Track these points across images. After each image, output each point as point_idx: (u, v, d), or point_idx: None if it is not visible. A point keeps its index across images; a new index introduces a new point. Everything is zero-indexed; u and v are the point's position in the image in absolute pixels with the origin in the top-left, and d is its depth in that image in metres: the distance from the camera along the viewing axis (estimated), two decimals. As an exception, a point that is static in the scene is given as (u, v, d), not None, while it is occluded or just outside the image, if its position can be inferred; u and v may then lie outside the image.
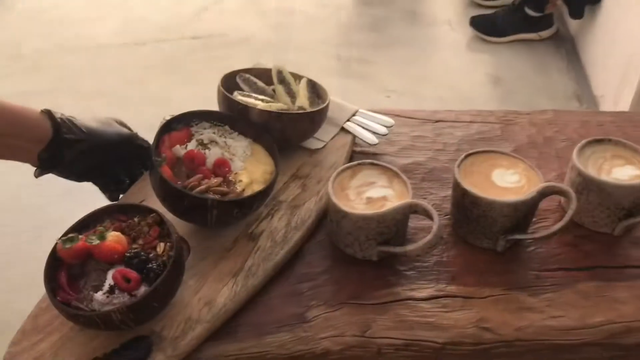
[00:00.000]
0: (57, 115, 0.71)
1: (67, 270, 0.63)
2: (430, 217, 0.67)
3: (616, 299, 0.67)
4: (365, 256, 0.71)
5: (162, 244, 0.64)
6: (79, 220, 0.66)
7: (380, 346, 0.64)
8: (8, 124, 0.68)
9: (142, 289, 0.60)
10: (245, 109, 0.78)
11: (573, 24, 2.29)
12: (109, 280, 0.61)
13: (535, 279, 0.70)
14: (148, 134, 0.82)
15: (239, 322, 0.66)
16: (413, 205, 0.68)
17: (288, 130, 0.80)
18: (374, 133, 0.90)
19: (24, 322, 0.66)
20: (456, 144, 0.91)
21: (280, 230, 0.75)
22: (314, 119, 0.82)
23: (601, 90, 1.97)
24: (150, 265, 0.61)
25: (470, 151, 0.76)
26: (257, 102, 0.81)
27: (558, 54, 2.30)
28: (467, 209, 0.71)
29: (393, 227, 0.69)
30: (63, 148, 0.71)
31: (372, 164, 0.75)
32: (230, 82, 0.85)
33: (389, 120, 0.92)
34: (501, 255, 0.72)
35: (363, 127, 0.90)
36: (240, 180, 0.72)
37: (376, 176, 0.74)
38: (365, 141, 0.89)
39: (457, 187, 0.72)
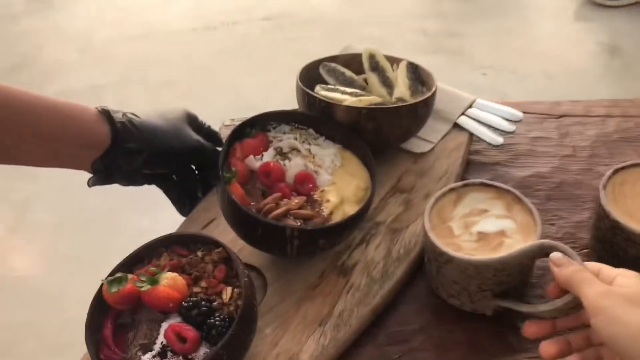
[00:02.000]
0: (117, 118, 0.59)
1: (114, 318, 0.50)
2: None
3: None
4: (475, 309, 0.53)
5: (229, 289, 0.50)
6: (130, 253, 0.54)
7: None
8: (57, 126, 0.56)
9: (202, 351, 0.47)
10: (328, 106, 0.62)
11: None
12: (161, 338, 0.48)
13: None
14: (217, 127, 0.69)
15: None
16: (546, 246, 0.49)
17: (384, 129, 0.63)
18: (497, 130, 0.71)
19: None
20: (590, 148, 0.71)
21: (378, 262, 0.59)
22: (417, 113, 0.65)
23: None
24: (211, 320, 0.47)
25: (621, 165, 0.56)
26: (344, 96, 0.65)
27: (688, 11, 1.98)
28: (617, 246, 0.53)
29: (517, 275, 0.51)
30: (121, 158, 0.59)
31: (484, 184, 0.56)
32: (312, 73, 0.70)
33: (517, 114, 0.73)
34: None
35: (481, 123, 0.72)
36: (328, 200, 0.57)
37: (489, 202, 0.55)
38: (487, 141, 0.70)
39: (605, 217, 0.53)
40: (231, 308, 0.49)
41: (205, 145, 0.66)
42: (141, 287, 0.49)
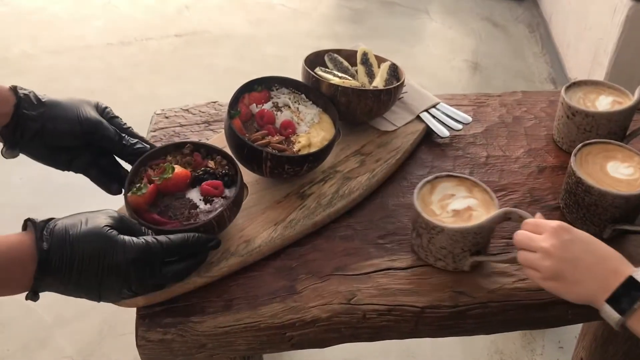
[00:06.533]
0: (23, 92, 0.70)
1: (149, 214, 0.70)
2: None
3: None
4: (457, 268, 0.73)
5: (212, 161, 0.76)
6: (142, 158, 0.74)
7: (365, 312, 0.70)
8: None
9: (226, 191, 0.73)
10: (317, 81, 0.85)
11: (547, 8, 2.37)
12: (198, 196, 0.72)
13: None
14: (138, 130, 0.80)
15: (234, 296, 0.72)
16: (508, 212, 0.69)
17: (352, 105, 0.85)
18: (448, 127, 0.93)
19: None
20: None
21: (328, 195, 0.81)
22: (379, 98, 0.85)
23: (574, 73, 2.01)
24: (223, 172, 0.74)
25: (588, 141, 0.79)
26: (334, 78, 0.88)
27: (533, 38, 2.42)
28: (578, 195, 0.75)
29: (487, 236, 0.72)
30: (22, 124, 0.69)
31: (449, 176, 0.77)
32: (319, 58, 0.93)
33: (467, 117, 0.94)
34: None
35: (438, 120, 0.94)
36: (299, 142, 0.80)
37: (455, 188, 0.76)
38: (436, 133, 0.92)
39: (572, 175, 0.75)
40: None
41: (103, 121, 0.73)
42: (165, 176, 0.71)
